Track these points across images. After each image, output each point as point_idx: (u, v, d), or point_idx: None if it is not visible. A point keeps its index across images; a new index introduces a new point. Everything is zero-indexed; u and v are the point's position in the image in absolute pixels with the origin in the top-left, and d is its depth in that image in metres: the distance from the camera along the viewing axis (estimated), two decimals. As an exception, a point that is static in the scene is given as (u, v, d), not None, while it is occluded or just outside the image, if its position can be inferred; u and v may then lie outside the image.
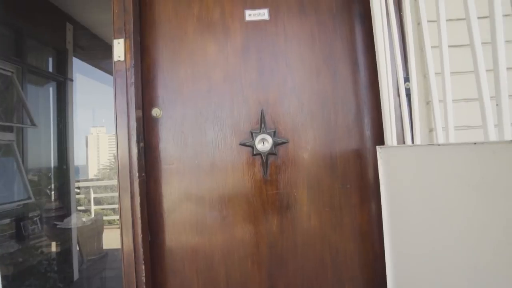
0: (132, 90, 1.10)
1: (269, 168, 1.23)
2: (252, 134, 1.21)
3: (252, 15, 1.27)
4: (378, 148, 1.05)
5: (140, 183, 1.09)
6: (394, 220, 1.01)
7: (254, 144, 1.20)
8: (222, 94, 1.23)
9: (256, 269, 1.19)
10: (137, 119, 1.11)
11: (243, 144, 1.21)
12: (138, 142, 1.10)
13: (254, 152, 1.21)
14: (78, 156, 2.67)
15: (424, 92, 1.08)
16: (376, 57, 1.08)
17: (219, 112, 1.22)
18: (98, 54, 3.13)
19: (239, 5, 1.29)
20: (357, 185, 1.25)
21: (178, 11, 1.25)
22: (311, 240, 1.20)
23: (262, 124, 1.22)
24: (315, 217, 1.23)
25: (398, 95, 1.04)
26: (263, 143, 1.21)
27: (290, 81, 1.26)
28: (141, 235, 1.08)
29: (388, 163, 1.00)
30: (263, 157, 1.21)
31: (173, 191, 1.18)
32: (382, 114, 1.05)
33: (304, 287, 1.19)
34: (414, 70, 1.01)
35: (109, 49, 1.91)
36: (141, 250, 1.06)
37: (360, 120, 1.24)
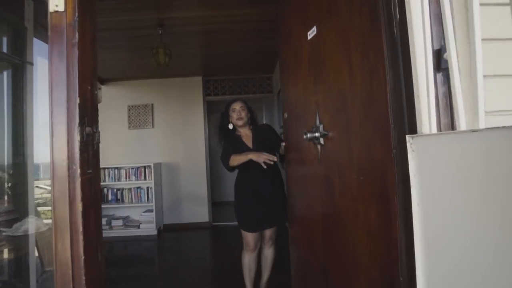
0: (74, 54, 0.76)
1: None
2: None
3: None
4: (409, 138, 0.77)
5: (83, 183, 0.75)
6: (429, 228, 0.73)
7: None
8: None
9: None
10: (82, 94, 0.77)
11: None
12: (82, 126, 0.76)
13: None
14: (41, 152, 2.26)
15: (466, 65, 0.81)
16: (408, 19, 0.80)
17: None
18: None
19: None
20: (370, 178, 0.98)
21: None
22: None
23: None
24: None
25: (438, 69, 0.76)
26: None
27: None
28: (83, 257, 0.74)
29: (423, 156, 0.73)
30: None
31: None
32: (416, 96, 0.76)
33: None
34: (452, 35, 0.74)
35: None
36: (83, 281, 0.72)
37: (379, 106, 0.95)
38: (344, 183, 1.11)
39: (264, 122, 4.72)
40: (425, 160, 0.74)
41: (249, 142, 2.12)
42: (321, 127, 1.25)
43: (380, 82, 0.95)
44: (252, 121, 2.21)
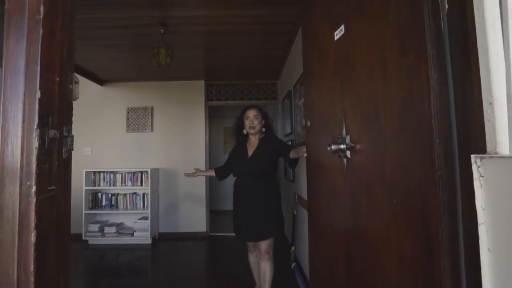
0: (37, 33, 0.57)
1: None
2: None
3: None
4: (475, 159, 0.57)
5: (40, 205, 0.55)
6: (505, 283, 0.53)
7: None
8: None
9: None
10: (45, 87, 0.58)
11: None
12: (42, 128, 0.57)
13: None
14: None
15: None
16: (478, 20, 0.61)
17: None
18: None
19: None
20: (406, 203, 0.78)
21: None
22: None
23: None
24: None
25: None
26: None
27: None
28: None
29: (497, 185, 0.53)
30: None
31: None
32: (486, 103, 0.57)
33: None
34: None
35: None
36: None
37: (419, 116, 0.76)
38: (373, 204, 0.91)
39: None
40: (501, 190, 0.54)
41: (250, 151, 2.16)
42: (347, 138, 1.05)
43: (421, 87, 0.75)
44: (266, 130, 2.22)
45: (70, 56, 0.68)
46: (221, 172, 2.36)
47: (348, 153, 1.06)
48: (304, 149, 1.72)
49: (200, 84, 4.41)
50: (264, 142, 2.16)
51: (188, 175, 2.35)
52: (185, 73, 4.14)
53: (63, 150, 0.65)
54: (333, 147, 1.08)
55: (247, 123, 2.13)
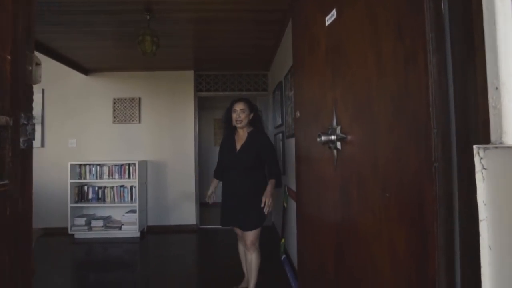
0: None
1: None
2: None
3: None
4: (478, 149, 0.52)
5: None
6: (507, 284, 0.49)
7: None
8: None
9: None
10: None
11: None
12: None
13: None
14: None
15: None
16: None
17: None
18: None
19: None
20: (400, 197, 0.73)
21: None
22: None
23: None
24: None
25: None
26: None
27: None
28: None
29: (502, 178, 0.48)
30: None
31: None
32: (492, 88, 0.51)
33: None
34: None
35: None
36: None
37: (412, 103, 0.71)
38: (364, 197, 0.86)
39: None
40: (506, 184, 0.49)
41: (239, 144, 2.17)
42: (338, 129, 1.00)
43: (418, 73, 0.70)
44: (255, 123, 2.21)
45: (29, 33, 0.60)
46: (219, 172, 2.35)
47: (338, 144, 1.01)
48: (267, 202, 2.04)
49: (189, 74, 4.29)
50: (253, 137, 2.16)
51: (209, 199, 2.32)
52: (173, 63, 4.00)
53: (21, 139, 0.57)
54: (323, 138, 1.02)
55: (234, 116, 2.13)
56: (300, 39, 1.43)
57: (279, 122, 3.46)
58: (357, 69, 0.90)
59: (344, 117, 0.98)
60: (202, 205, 5.19)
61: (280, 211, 3.44)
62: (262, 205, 2.03)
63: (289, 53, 2.78)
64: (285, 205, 2.95)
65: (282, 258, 2.84)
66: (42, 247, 3.61)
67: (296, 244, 1.54)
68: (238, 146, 2.16)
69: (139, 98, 4.23)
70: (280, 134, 3.33)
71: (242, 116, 2.12)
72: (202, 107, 5.87)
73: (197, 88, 4.40)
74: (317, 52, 1.21)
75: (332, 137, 1.02)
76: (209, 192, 2.31)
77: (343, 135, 0.98)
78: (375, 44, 0.82)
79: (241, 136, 2.20)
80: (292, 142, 2.70)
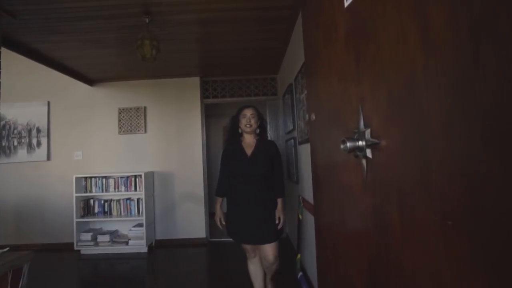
0: None
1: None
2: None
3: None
4: None
5: None
6: None
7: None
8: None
9: None
10: None
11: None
12: None
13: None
14: None
15: None
16: None
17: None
18: None
19: None
20: (471, 226, 0.50)
21: None
22: None
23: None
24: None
25: None
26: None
27: None
28: None
29: None
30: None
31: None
32: None
33: None
34: None
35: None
36: None
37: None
38: (411, 223, 0.64)
39: (268, 126, 4.26)
40: None
41: (249, 151, 2.08)
42: (367, 132, 0.79)
43: (494, 46, 0.48)
44: (261, 131, 2.17)
45: None
46: (224, 189, 2.14)
47: (368, 152, 0.80)
48: (282, 218, 2.02)
49: (195, 81, 4.15)
50: (264, 144, 2.12)
51: (220, 224, 2.13)
52: (178, 70, 3.88)
53: None
54: (349, 144, 0.82)
55: (243, 121, 2.08)
56: (313, 29, 1.23)
57: (290, 128, 3.26)
58: (392, 52, 0.69)
59: (375, 116, 0.77)
60: (212, 217, 5.00)
61: (294, 223, 3.20)
62: (277, 222, 2.00)
63: (298, 53, 2.59)
64: (300, 217, 2.72)
65: (298, 276, 2.60)
66: (47, 264, 3.49)
67: (316, 265, 1.32)
68: (249, 152, 2.07)
69: (145, 107, 4.12)
70: (292, 140, 3.12)
71: (253, 121, 2.08)
72: (209, 114, 5.73)
73: (204, 95, 4.25)
74: (334, 41, 1.01)
75: (360, 143, 0.81)
76: (219, 216, 2.12)
77: (375, 140, 0.76)
78: (419, 15, 0.61)
79: (249, 143, 2.11)
80: (305, 148, 2.49)
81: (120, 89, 4.16)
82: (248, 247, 2.06)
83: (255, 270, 2.14)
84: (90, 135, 4.12)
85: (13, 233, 4.09)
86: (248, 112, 2.09)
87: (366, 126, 0.81)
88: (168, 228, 4.04)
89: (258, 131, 2.14)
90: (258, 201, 1.98)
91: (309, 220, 2.48)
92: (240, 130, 2.12)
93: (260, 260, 2.09)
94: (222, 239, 4.07)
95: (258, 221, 1.96)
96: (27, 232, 4.07)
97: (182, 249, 3.85)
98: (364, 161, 0.82)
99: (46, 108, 4.16)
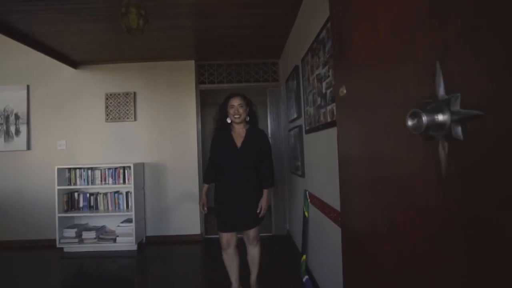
0: None
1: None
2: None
3: None
4: None
5: None
6: None
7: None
8: None
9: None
10: None
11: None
12: None
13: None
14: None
15: None
16: None
17: None
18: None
19: None
20: None
21: None
22: None
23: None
24: None
25: None
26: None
27: None
28: None
29: None
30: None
31: None
32: None
33: None
34: None
35: None
36: None
37: None
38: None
39: (269, 115, 3.96)
40: None
41: (238, 141, 2.09)
42: (454, 100, 0.51)
43: None
44: (251, 120, 2.16)
45: None
46: (212, 176, 2.20)
47: (457, 130, 0.51)
48: (263, 208, 2.08)
49: (190, 64, 3.82)
50: (253, 134, 2.11)
51: (203, 209, 2.25)
52: (171, 52, 3.55)
53: None
54: (426, 119, 0.53)
55: (231, 111, 2.07)
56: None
57: (294, 116, 2.97)
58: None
59: (472, 73, 0.48)
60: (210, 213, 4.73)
61: (298, 221, 2.94)
62: (258, 211, 2.05)
63: (308, 29, 2.29)
64: (306, 214, 2.45)
65: (304, 279, 2.35)
66: (27, 263, 3.20)
67: (344, 277, 1.05)
68: (239, 143, 2.07)
69: (134, 93, 3.79)
70: (297, 129, 2.83)
71: (241, 110, 2.07)
72: (205, 102, 5.41)
73: (199, 80, 3.93)
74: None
75: (442, 117, 0.52)
76: (203, 201, 2.21)
77: (475, 112, 0.48)
78: None
79: (239, 133, 2.12)
80: (314, 137, 2.20)
81: (107, 72, 3.82)
82: (224, 238, 2.10)
83: (229, 262, 2.16)
84: (75, 123, 3.79)
85: (-9, 229, 3.78)
86: (236, 102, 2.07)
87: (450, 91, 0.52)
88: (160, 224, 3.77)
89: (247, 119, 2.13)
90: (245, 191, 2.03)
91: (316, 218, 2.22)
92: (229, 120, 2.12)
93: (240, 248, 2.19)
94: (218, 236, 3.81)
95: (244, 210, 2.03)
96: (6, 228, 3.76)
97: (175, 247, 3.58)
98: (443, 147, 0.54)
99: (25, 92, 3.80)
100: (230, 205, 2.04)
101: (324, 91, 1.90)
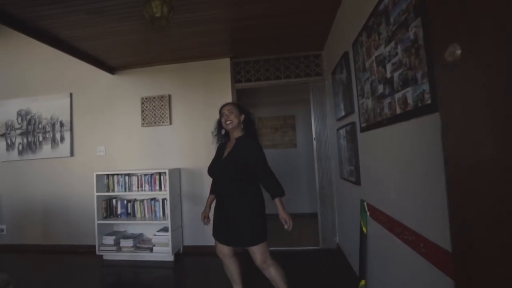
0: None
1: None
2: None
3: None
4: None
5: None
6: None
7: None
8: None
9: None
10: None
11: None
12: None
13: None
14: None
15: None
16: None
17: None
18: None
19: None
20: None
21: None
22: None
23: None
24: None
25: None
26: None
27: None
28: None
29: None
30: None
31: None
32: None
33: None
34: None
35: None
36: None
37: None
38: None
39: (313, 114, 3.54)
40: None
41: (227, 151, 2.04)
42: None
43: None
44: (247, 129, 2.07)
45: None
46: (213, 185, 2.19)
47: None
48: (287, 221, 1.82)
49: (225, 62, 3.58)
50: (241, 142, 1.99)
51: (203, 220, 2.26)
52: (204, 49, 3.34)
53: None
54: None
55: (223, 120, 2.04)
56: None
57: (342, 113, 2.54)
58: None
59: None
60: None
61: (354, 237, 2.50)
62: (286, 227, 1.83)
63: (359, 5, 1.87)
64: (365, 230, 2.01)
65: (363, 312, 1.90)
66: (70, 269, 3.18)
67: None
68: (226, 153, 2.03)
69: (169, 96, 3.65)
70: (348, 127, 2.40)
71: (231, 116, 2.00)
72: (244, 104, 5.16)
73: (235, 79, 3.66)
74: None
75: None
76: (206, 213, 2.22)
77: None
78: None
79: (232, 142, 2.06)
80: (373, 136, 1.77)
81: (142, 76, 3.74)
82: (216, 246, 2.10)
83: (227, 271, 2.17)
84: (113, 128, 3.76)
85: (40, 234, 3.90)
86: (226, 109, 2.04)
87: None
88: (197, 233, 3.55)
89: (242, 126, 2.06)
90: (228, 204, 1.95)
91: (381, 236, 1.77)
92: (223, 131, 2.10)
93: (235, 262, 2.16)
94: (259, 248, 3.48)
95: (231, 224, 1.93)
96: (53, 233, 3.86)
97: (214, 259, 3.32)
98: None
99: (68, 100, 3.88)
100: (219, 217, 2.01)
101: (389, 75, 1.47)
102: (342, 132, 2.67)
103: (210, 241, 3.51)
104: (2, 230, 4.04)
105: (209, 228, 3.51)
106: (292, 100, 5.20)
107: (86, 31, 2.68)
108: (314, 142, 3.47)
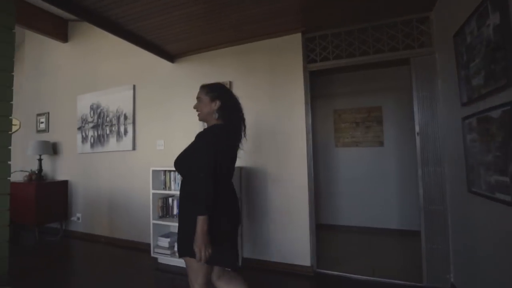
0: None
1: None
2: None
3: None
4: None
5: None
6: None
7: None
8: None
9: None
10: None
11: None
12: None
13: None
14: None
15: None
16: None
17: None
18: None
19: None
20: None
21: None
22: None
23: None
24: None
25: None
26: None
27: None
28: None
29: None
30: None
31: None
32: None
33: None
34: None
35: None
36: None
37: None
38: None
39: (415, 100, 2.59)
40: None
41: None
42: None
43: None
44: (224, 116, 1.61)
45: None
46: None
47: None
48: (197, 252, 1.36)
49: (296, 39, 2.92)
50: (198, 136, 1.55)
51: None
52: (270, 23, 2.74)
53: None
54: None
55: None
56: None
57: (480, 92, 1.62)
58: None
59: None
60: (322, 228, 3.70)
61: (483, 273, 1.57)
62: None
63: None
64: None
65: None
66: (126, 266, 2.98)
67: None
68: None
69: (230, 82, 3.18)
70: (497, 112, 1.48)
71: (200, 105, 1.65)
72: (316, 95, 4.41)
73: (309, 58, 2.97)
74: None
75: None
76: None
77: None
78: None
79: None
80: None
81: (201, 62, 3.36)
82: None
83: None
84: (172, 121, 3.49)
85: (107, 225, 3.91)
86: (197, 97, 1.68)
87: None
88: (259, 245, 2.99)
89: (216, 115, 1.61)
90: (180, 211, 1.59)
91: None
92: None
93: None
94: (336, 272, 2.73)
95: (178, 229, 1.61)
96: (117, 226, 3.81)
97: (278, 278, 2.72)
98: None
99: (131, 92, 3.77)
100: None
101: None
102: (474, 122, 1.74)
103: (273, 256, 2.92)
104: (78, 219, 4.20)
105: (270, 239, 2.95)
106: (378, 88, 4.21)
107: (133, 11, 2.36)
108: (418, 138, 2.53)
